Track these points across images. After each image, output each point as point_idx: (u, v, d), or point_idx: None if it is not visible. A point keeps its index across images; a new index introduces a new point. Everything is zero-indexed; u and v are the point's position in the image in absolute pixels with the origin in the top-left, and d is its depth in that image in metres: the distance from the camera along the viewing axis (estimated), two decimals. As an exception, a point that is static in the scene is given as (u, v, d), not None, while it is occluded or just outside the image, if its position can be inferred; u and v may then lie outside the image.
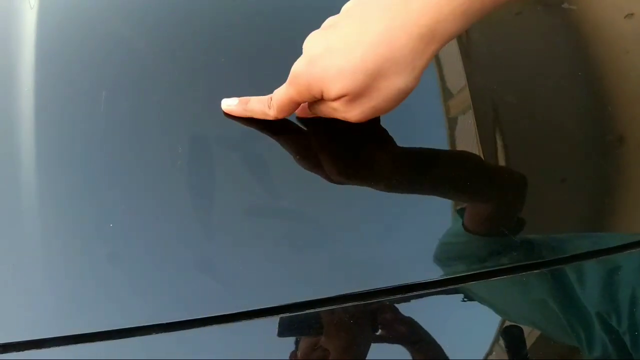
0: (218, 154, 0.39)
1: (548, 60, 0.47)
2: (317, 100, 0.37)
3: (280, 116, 0.39)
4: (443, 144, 0.41)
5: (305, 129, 0.41)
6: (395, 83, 0.34)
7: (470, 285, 0.34)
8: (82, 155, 0.40)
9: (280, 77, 0.38)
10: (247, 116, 0.41)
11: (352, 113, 0.36)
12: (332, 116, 0.38)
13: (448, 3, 0.32)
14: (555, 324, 0.34)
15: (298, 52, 0.37)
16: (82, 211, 0.37)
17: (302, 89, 0.36)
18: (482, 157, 0.40)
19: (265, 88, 0.40)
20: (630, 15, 0.50)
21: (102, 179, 0.39)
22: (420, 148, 0.41)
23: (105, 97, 0.42)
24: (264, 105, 0.40)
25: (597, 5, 0.51)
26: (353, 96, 0.35)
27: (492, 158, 0.41)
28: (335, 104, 0.36)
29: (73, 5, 0.49)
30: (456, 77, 0.44)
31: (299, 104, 0.39)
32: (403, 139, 0.41)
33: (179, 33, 0.47)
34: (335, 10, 0.36)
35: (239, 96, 0.41)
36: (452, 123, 0.43)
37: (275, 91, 0.39)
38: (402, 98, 0.36)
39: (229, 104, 0.41)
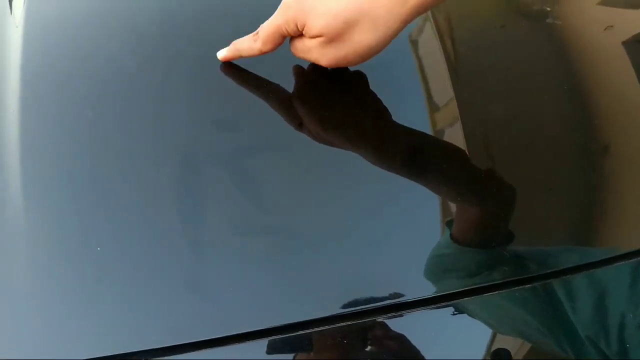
0: (205, 172, 0.39)
1: (533, 72, 0.48)
2: (297, 36, 0.41)
3: (264, 48, 0.42)
4: (430, 156, 0.42)
5: (293, 143, 0.41)
6: (366, 38, 0.38)
7: (462, 301, 0.34)
8: (68, 177, 0.39)
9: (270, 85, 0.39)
10: (237, 56, 0.44)
11: (325, 57, 0.40)
12: (306, 57, 0.41)
13: None
14: (546, 339, 0.34)
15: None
16: (69, 234, 0.37)
17: (290, 19, 0.39)
18: (469, 169, 0.41)
19: (253, 98, 0.40)
20: (609, 27, 0.50)
21: (88, 199, 0.38)
22: (408, 159, 0.41)
23: (92, 117, 0.42)
24: (250, 41, 0.42)
25: (579, 19, 0.52)
26: (328, 38, 0.38)
27: (479, 170, 0.41)
28: (312, 43, 0.40)
29: (58, 23, 0.49)
30: (443, 89, 0.45)
31: (283, 37, 0.41)
32: (391, 152, 0.41)
33: (165, 49, 0.47)
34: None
35: (225, 110, 0.43)
36: (439, 135, 0.43)
37: (263, 24, 0.41)
38: (371, 55, 0.39)
39: (221, 53, 0.44)
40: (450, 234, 0.37)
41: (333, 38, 0.38)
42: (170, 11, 0.49)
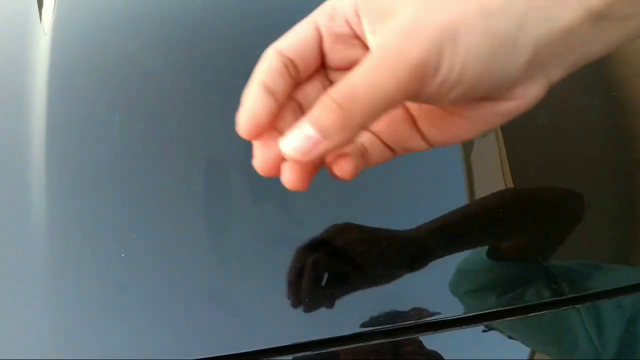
0: (235, 180, 0.38)
1: (573, 83, 0.46)
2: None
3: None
4: (463, 169, 0.40)
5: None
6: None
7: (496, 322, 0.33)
8: (94, 183, 0.39)
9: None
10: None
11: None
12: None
13: None
14: None
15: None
16: (93, 240, 0.36)
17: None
18: (506, 184, 0.39)
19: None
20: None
21: (113, 206, 0.38)
22: (439, 172, 0.39)
23: (118, 121, 0.41)
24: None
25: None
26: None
27: (517, 183, 0.39)
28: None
29: (86, 31, 0.49)
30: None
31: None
32: (422, 163, 0.39)
33: (198, 56, 0.46)
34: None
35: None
36: (476, 146, 0.41)
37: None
38: None
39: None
40: (487, 251, 0.35)
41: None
42: (204, 19, 0.48)
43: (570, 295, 0.33)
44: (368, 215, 0.37)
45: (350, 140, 0.21)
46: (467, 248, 0.36)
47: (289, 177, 0.23)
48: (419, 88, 0.21)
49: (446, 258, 0.35)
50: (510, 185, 0.39)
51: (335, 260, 0.35)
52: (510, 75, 0.22)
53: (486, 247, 0.36)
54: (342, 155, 0.24)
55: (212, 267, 0.34)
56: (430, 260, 0.35)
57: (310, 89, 0.26)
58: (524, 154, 0.41)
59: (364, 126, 0.21)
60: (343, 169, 0.23)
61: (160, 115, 0.42)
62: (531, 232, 0.37)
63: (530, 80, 0.23)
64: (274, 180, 0.37)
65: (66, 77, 0.46)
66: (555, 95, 0.43)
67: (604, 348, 0.32)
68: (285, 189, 0.37)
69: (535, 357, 0.32)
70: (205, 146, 0.40)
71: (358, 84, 0.20)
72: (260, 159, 0.24)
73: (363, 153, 0.26)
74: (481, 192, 0.38)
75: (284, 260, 0.35)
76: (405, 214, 0.37)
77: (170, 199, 0.38)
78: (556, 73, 0.24)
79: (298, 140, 0.21)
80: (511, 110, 0.24)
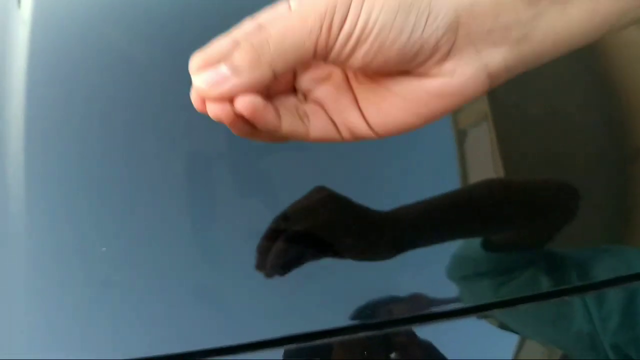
0: (220, 175, 0.37)
1: (570, 71, 0.45)
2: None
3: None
4: (456, 156, 0.39)
5: (312, 145, 0.39)
6: None
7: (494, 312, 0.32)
8: (74, 177, 0.38)
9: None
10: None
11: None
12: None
13: None
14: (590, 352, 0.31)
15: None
16: (74, 235, 0.35)
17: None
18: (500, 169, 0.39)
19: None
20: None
21: (94, 200, 0.37)
22: (432, 163, 0.39)
23: (100, 114, 0.40)
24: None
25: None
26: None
27: (510, 171, 0.39)
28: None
29: (68, 20, 0.48)
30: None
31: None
32: (415, 151, 0.39)
33: (181, 45, 0.44)
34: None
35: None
36: (468, 134, 0.41)
37: None
38: None
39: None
40: (482, 239, 0.35)
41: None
42: (185, 6, 0.47)
43: (572, 285, 0.33)
44: (357, 200, 0.36)
45: (260, 82, 0.23)
46: (463, 237, 0.35)
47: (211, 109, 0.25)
48: (327, 39, 0.22)
49: (442, 248, 0.34)
50: (508, 173, 0.39)
51: (323, 250, 0.34)
52: (428, 41, 0.22)
53: (484, 235, 0.35)
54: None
55: (198, 261, 0.34)
56: (425, 251, 0.34)
57: None
58: (520, 143, 0.41)
59: (274, 68, 0.23)
60: (242, 105, 0.23)
61: (144, 107, 0.41)
62: (528, 220, 0.37)
63: (460, 57, 0.23)
64: (257, 172, 0.37)
65: (46, 69, 0.44)
66: (550, 87, 0.44)
67: (604, 324, 0.31)
68: (270, 180, 0.36)
69: (530, 350, 0.32)
70: (187, 139, 0.39)
71: (271, 27, 0.22)
72: (196, 97, 0.26)
73: (302, 116, 0.27)
74: (478, 181, 0.38)
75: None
76: (398, 204, 0.36)
77: (150, 192, 0.37)
78: (494, 58, 0.23)
79: (210, 74, 0.23)
80: (441, 90, 0.24)
